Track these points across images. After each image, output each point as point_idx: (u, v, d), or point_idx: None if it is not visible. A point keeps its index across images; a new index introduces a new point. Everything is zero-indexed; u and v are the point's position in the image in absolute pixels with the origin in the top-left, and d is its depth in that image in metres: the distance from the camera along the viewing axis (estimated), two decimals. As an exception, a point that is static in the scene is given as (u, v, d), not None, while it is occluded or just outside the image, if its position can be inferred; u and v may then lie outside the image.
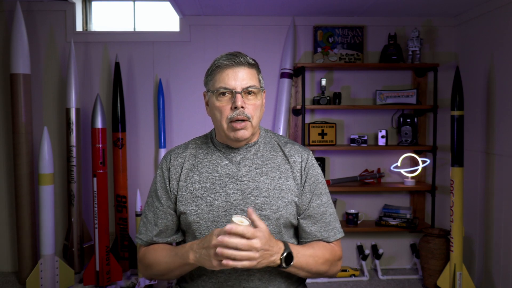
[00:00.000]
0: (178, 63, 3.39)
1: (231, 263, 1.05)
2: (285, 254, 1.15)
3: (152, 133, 3.40)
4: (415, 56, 3.22)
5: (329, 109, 3.39)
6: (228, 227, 1.06)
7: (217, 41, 3.39)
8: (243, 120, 1.24)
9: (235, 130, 1.24)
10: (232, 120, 1.23)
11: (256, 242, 1.07)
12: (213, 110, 1.27)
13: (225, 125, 1.25)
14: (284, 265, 1.15)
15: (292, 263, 1.17)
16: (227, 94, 1.24)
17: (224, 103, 1.24)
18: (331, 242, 1.33)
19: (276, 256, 1.13)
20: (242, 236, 1.06)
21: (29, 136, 3.04)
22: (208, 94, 1.31)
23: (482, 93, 3.05)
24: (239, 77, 1.23)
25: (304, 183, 1.32)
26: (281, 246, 1.15)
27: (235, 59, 1.24)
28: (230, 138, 1.27)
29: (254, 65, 1.28)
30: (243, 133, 1.25)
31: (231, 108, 1.23)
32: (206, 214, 1.25)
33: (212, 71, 1.27)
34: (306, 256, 1.22)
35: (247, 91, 1.24)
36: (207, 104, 1.33)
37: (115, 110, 3.12)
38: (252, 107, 1.25)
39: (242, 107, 1.22)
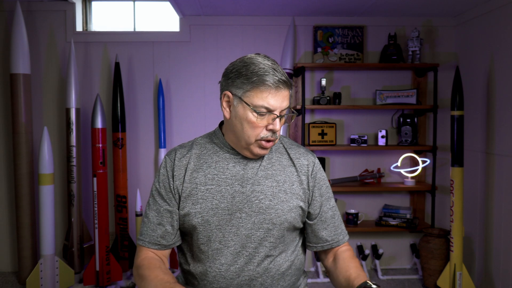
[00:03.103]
0: (178, 63, 3.39)
1: None
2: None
3: (152, 133, 3.40)
4: (415, 56, 3.22)
5: (329, 109, 3.39)
6: None
7: (217, 41, 3.39)
8: (272, 140, 1.22)
9: (262, 147, 1.22)
10: (262, 139, 1.21)
11: None
12: (241, 120, 1.20)
13: (252, 140, 1.21)
14: None
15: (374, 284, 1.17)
16: (265, 114, 1.19)
17: (259, 121, 1.19)
18: (341, 245, 1.35)
19: None
20: None
21: (29, 136, 3.04)
22: (235, 99, 1.21)
23: (482, 93, 3.05)
24: (281, 99, 1.19)
25: (314, 187, 1.31)
26: None
27: (282, 79, 1.18)
28: (252, 153, 1.24)
29: (291, 84, 1.24)
30: (266, 152, 1.25)
31: (266, 128, 1.20)
32: (211, 217, 1.22)
33: (252, 82, 1.17)
34: (363, 272, 1.24)
35: (283, 114, 1.21)
36: (228, 106, 1.24)
37: (115, 110, 3.11)
38: (281, 127, 1.23)
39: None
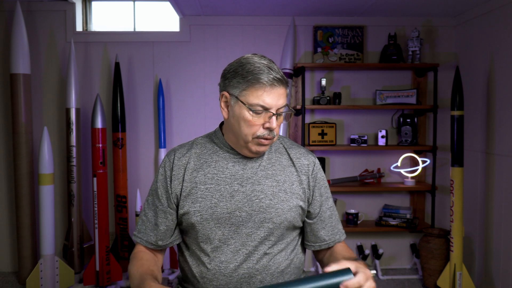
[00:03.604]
0: (178, 63, 3.39)
1: None
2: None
3: (152, 133, 3.40)
4: (415, 56, 3.22)
5: (329, 109, 3.39)
6: None
7: (217, 41, 3.39)
8: (270, 139, 1.23)
9: (260, 144, 1.22)
10: (259, 137, 1.21)
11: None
12: (238, 119, 1.21)
13: (249, 138, 1.21)
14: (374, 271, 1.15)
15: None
16: (262, 112, 1.19)
17: (256, 120, 1.19)
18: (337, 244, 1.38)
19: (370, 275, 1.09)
20: None
21: (29, 136, 3.04)
22: (232, 98, 1.22)
23: (482, 93, 3.05)
24: (276, 97, 1.19)
25: (314, 187, 1.32)
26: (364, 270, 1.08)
27: (277, 77, 1.18)
28: (250, 151, 1.24)
29: (286, 82, 1.23)
30: (265, 149, 1.25)
31: (263, 127, 1.20)
32: (210, 215, 1.24)
33: (247, 81, 1.18)
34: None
35: (279, 112, 1.21)
36: (226, 106, 1.25)
37: (115, 110, 3.11)
38: (278, 125, 1.23)
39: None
